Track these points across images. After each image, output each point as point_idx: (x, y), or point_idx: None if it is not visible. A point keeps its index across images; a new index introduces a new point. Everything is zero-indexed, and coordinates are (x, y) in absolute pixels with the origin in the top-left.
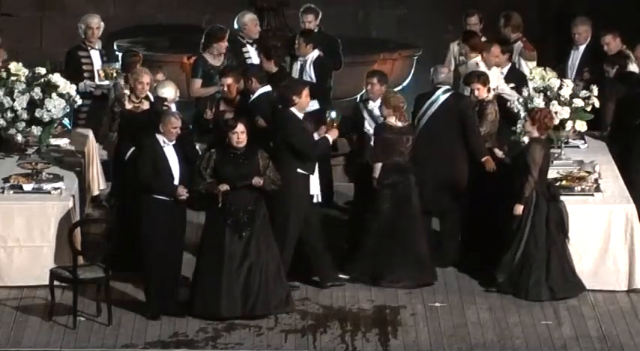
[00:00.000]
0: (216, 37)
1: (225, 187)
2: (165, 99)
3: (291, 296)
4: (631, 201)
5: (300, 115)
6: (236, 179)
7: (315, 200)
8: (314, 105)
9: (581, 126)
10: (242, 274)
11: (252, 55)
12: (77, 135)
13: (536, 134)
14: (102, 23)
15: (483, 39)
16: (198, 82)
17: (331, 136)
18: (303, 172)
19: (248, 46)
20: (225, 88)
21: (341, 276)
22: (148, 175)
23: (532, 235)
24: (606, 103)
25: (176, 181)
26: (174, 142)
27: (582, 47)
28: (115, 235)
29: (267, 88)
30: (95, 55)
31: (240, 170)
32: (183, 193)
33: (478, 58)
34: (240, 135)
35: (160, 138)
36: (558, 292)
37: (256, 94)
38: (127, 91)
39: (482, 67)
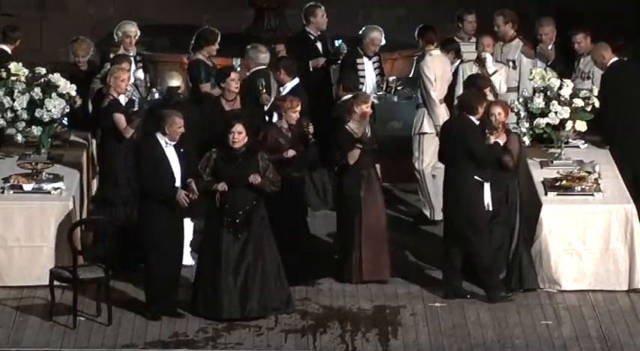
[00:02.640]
0: (207, 40)
1: (223, 185)
2: (178, 87)
3: (292, 297)
4: (631, 201)
5: (477, 123)
6: (235, 179)
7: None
8: None
9: (581, 126)
10: (240, 276)
11: (367, 68)
12: (77, 135)
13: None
14: (139, 31)
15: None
16: (207, 85)
17: (501, 139)
18: (479, 179)
19: (365, 58)
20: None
21: (507, 295)
22: (148, 177)
23: (521, 231)
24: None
25: (177, 182)
26: (175, 142)
27: (550, 48)
28: (109, 234)
29: (296, 80)
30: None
31: (239, 171)
32: (184, 198)
33: (438, 51)
34: (236, 135)
35: (162, 139)
36: (527, 283)
37: (288, 88)
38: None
39: (442, 60)
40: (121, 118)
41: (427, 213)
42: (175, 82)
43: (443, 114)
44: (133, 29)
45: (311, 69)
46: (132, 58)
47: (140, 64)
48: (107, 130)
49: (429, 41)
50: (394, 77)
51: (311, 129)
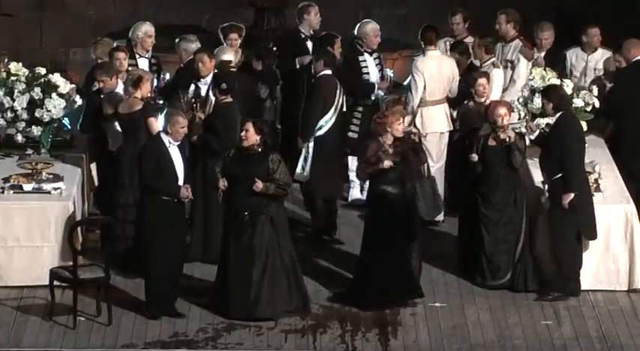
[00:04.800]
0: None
1: (222, 182)
2: (230, 61)
3: (309, 301)
4: (631, 201)
5: None
6: (238, 178)
7: None
8: None
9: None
10: (245, 277)
11: (370, 65)
12: (77, 135)
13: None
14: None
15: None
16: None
17: (510, 137)
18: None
19: (366, 55)
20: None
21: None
22: (151, 175)
23: (527, 232)
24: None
25: (180, 182)
26: (179, 142)
27: (543, 53)
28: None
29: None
30: (143, 64)
31: (244, 170)
32: (187, 194)
33: (437, 52)
34: (243, 133)
35: (166, 138)
36: (530, 285)
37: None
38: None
39: (440, 60)
40: (155, 122)
41: (428, 213)
42: (229, 56)
43: (435, 117)
44: (152, 29)
45: (297, 66)
46: (147, 60)
47: (155, 67)
48: (137, 131)
49: (427, 41)
50: (392, 71)
51: (414, 130)
